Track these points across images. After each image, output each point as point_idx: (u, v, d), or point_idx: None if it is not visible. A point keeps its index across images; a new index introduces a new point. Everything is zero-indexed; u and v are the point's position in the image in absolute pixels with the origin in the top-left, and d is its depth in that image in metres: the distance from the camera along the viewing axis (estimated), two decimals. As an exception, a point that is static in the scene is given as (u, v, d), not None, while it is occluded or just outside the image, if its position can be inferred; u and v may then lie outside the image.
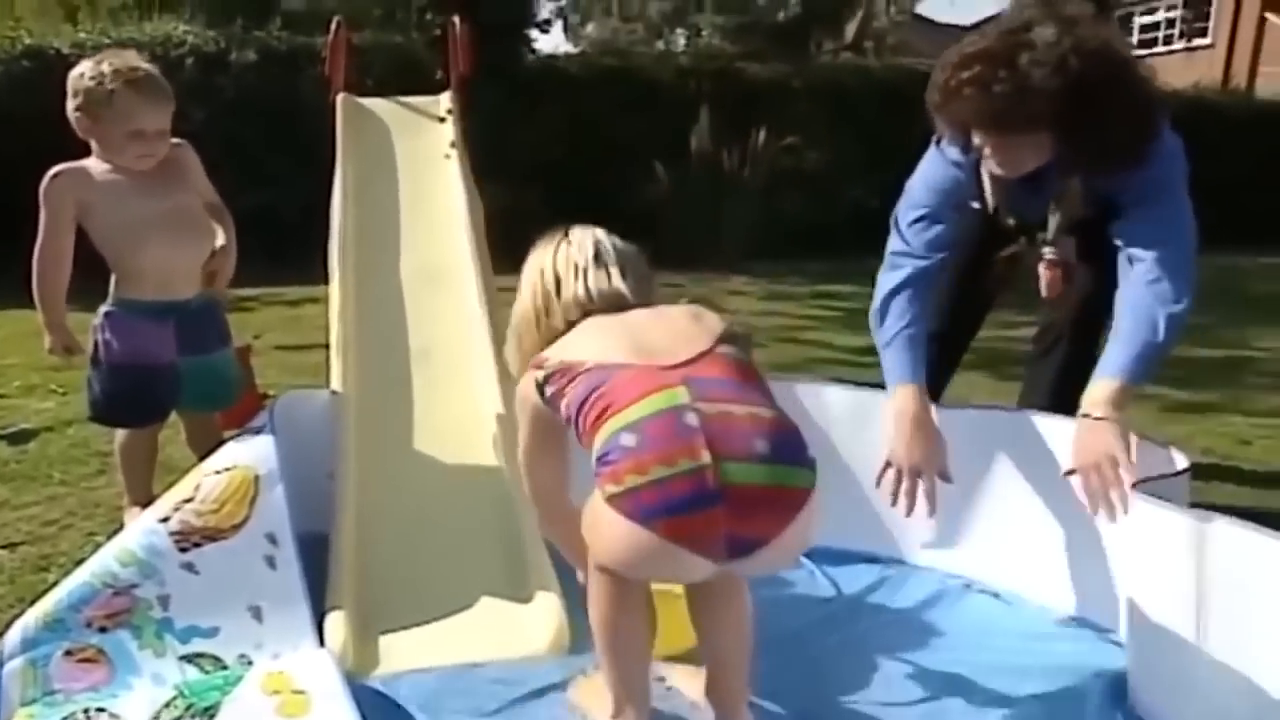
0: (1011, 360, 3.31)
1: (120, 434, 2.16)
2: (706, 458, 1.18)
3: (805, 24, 16.08)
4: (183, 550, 1.61)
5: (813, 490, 1.25)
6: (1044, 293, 2.09)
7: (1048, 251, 2.06)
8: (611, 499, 1.20)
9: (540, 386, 1.39)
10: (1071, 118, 1.67)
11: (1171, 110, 1.83)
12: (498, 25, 6.97)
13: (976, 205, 2.06)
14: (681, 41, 18.19)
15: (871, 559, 2.04)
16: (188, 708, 1.44)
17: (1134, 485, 1.53)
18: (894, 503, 1.82)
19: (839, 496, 2.00)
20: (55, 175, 1.99)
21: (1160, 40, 19.13)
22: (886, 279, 2.00)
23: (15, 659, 1.49)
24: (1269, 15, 14.54)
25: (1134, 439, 1.68)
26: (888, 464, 1.84)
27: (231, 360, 2.27)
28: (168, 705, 1.44)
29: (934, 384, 1.99)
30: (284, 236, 4.89)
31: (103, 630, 1.53)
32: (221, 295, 2.20)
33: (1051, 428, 1.86)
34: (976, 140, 1.81)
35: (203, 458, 1.80)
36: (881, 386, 1.94)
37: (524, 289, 1.51)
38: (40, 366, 3.50)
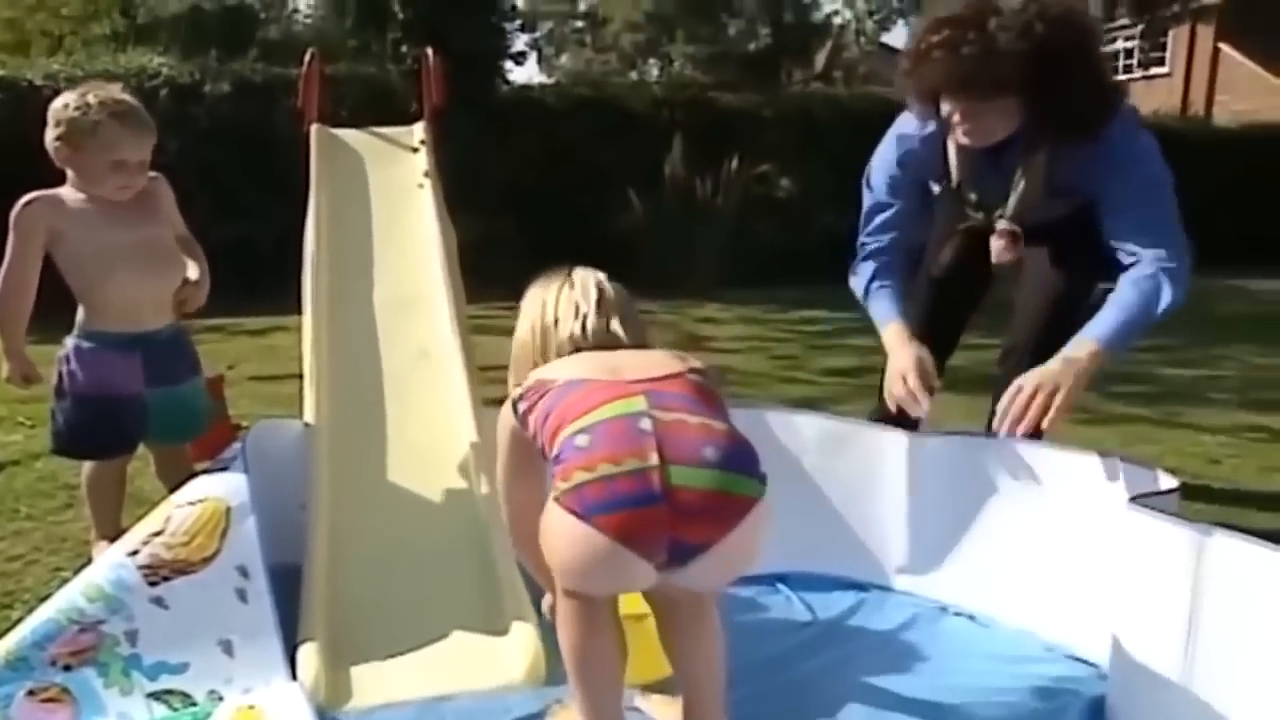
0: (986, 384, 3.34)
1: (87, 467, 2.13)
2: (654, 460, 1.20)
3: (775, 54, 16.34)
4: (152, 584, 1.58)
5: (759, 501, 1.24)
6: (993, 258, 2.16)
7: (1001, 222, 2.13)
8: (559, 497, 1.22)
9: (515, 404, 1.41)
10: (1037, 82, 1.78)
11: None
12: (472, 56, 7.02)
13: (938, 188, 2.16)
14: (654, 72, 18.44)
15: (846, 583, 2.04)
16: (156, 746, 1.41)
17: (1131, 500, 1.55)
18: (901, 411, 2.04)
19: (811, 522, 2.02)
20: (28, 202, 1.98)
21: (1120, 69, 19.58)
22: (860, 263, 2.24)
23: (-23, 699, 1.45)
24: (1222, 45, 15.03)
25: (1119, 464, 1.72)
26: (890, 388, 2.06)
27: (201, 390, 2.25)
28: (135, 744, 1.41)
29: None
30: (258, 266, 4.88)
31: (67, 668, 1.50)
32: (186, 322, 2.18)
33: (1026, 453, 1.88)
34: (945, 108, 1.90)
35: (173, 489, 1.78)
36: (851, 414, 2.13)
37: (523, 322, 1.53)
38: (6, 399, 3.44)
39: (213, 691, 1.53)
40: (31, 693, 1.47)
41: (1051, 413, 1.79)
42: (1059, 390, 1.81)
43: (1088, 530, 1.75)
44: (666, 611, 1.39)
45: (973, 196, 2.15)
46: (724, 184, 7.98)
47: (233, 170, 6.81)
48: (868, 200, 2.24)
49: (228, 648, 1.58)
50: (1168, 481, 1.68)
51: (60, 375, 2.05)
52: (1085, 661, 1.74)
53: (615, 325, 1.47)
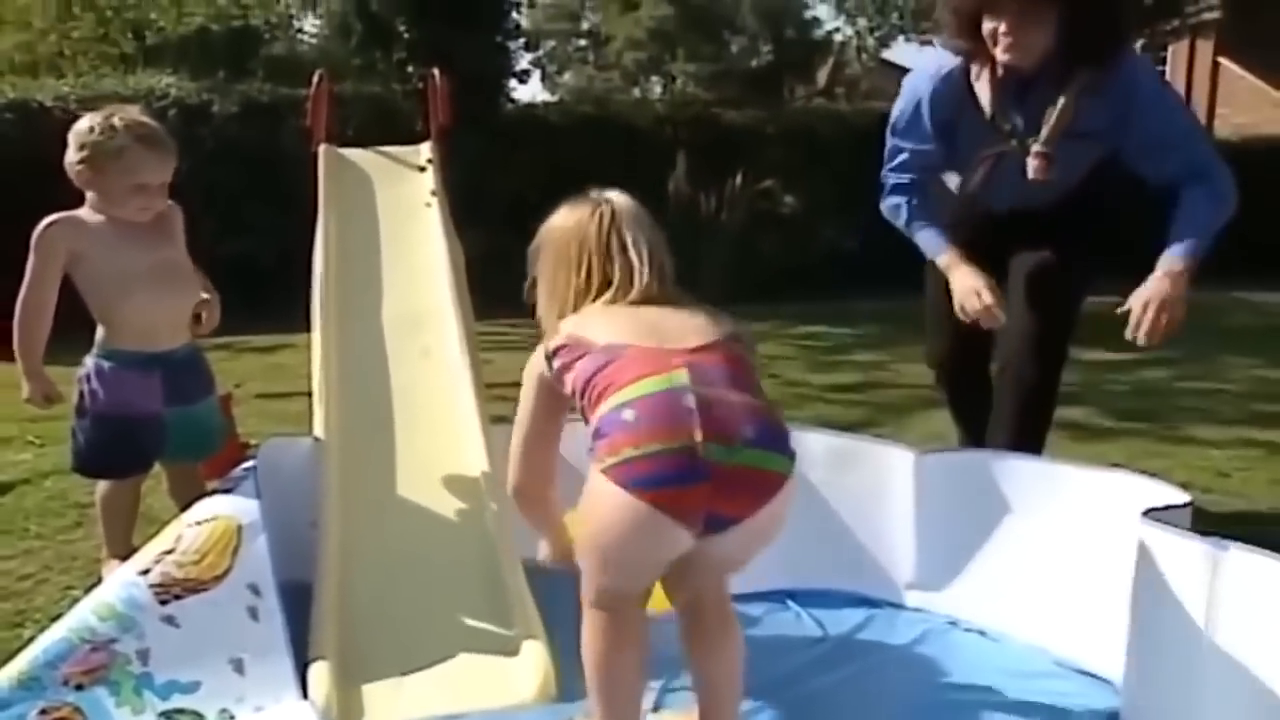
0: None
1: (103, 485, 2.14)
2: (699, 437, 1.25)
3: (778, 71, 16.41)
4: (163, 603, 1.58)
5: (789, 478, 1.31)
6: (1030, 175, 2.22)
7: (1036, 146, 2.21)
8: (607, 470, 1.26)
9: (549, 358, 1.44)
10: None
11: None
12: (476, 75, 7.06)
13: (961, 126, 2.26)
14: (658, 89, 18.51)
15: (855, 599, 2.04)
16: (167, 765, 1.41)
17: (1144, 514, 1.55)
18: (971, 332, 2.24)
19: (819, 538, 2.02)
20: (50, 224, 2.00)
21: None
22: (888, 196, 2.38)
23: (-11, 719, 1.46)
24: (1221, 60, 15.08)
25: (1129, 478, 1.76)
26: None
27: (216, 409, 2.26)
28: (147, 763, 1.41)
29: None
30: (264, 284, 4.89)
31: (79, 688, 1.50)
32: (200, 339, 2.20)
33: (1035, 468, 1.88)
34: (988, 26, 2.04)
35: (185, 508, 1.79)
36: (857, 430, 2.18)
37: (561, 240, 1.54)
38: (17, 418, 3.46)
39: (224, 710, 1.53)
40: (44, 712, 1.47)
41: (1175, 324, 2.04)
42: (1166, 299, 2.04)
43: (1098, 545, 1.75)
44: (692, 618, 1.41)
45: (1007, 126, 2.23)
46: (728, 200, 8.00)
47: (239, 189, 6.85)
48: (890, 142, 2.37)
49: (239, 666, 1.58)
50: (1179, 496, 1.68)
51: (81, 394, 2.06)
52: (1096, 677, 1.74)
53: (653, 276, 1.49)
